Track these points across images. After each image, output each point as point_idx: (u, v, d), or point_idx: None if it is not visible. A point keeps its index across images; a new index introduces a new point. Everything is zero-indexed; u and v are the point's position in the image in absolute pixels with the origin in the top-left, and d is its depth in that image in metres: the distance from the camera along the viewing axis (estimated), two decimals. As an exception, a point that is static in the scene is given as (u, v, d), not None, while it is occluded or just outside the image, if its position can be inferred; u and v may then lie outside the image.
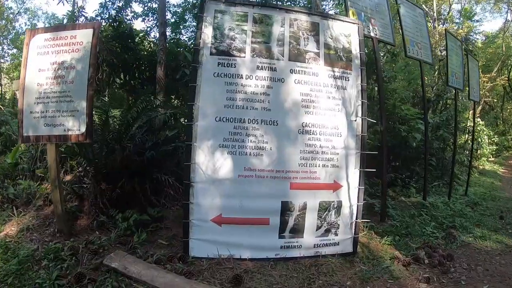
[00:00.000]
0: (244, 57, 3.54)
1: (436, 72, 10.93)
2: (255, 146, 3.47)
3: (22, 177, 5.59)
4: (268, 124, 3.50)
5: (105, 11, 7.96)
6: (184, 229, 3.37)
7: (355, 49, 3.95)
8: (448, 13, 15.89)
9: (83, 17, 7.48)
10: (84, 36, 3.98)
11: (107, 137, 4.14)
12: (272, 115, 3.51)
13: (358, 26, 4.06)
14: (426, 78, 11.20)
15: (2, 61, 19.83)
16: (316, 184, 3.63)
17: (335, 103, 3.74)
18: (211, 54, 3.50)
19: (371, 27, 5.04)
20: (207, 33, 3.54)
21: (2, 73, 19.46)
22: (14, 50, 20.15)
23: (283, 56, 3.63)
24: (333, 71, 3.77)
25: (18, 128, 3.87)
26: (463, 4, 17.10)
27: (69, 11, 8.03)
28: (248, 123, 3.46)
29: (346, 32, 3.97)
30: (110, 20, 7.54)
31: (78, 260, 3.21)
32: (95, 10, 7.83)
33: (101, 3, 7.99)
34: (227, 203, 3.40)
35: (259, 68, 3.55)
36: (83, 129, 3.73)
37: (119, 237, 3.68)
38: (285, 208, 3.52)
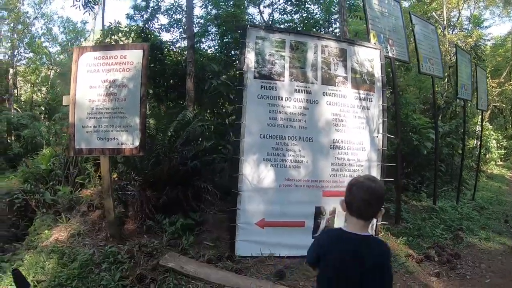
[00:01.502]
0: (283, 81, 4.03)
1: (446, 80, 11.25)
2: (293, 160, 3.97)
3: (56, 183, 5.81)
4: (305, 140, 4.00)
5: (132, 22, 8.44)
6: (231, 231, 3.86)
7: (377, 73, 4.43)
8: (458, 19, 16.16)
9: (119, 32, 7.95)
10: (135, 57, 4.25)
11: (156, 149, 4.56)
12: (308, 132, 4.01)
13: (380, 52, 4.54)
14: (436, 86, 11.52)
15: (19, 64, 20.20)
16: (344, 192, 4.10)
17: (360, 121, 4.23)
18: (255, 77, 3.97)
19: (389, 48, 5.48)
20: (250, 58, 4.00)
21: (18, 76, 19.85)
22: (31, 54, 20.55)
23: (316, 80, 4.12)
24: (359, 93, 4.25)
25: (70, 141, 4.09)
26: (472, 10, 17.33)
27: (106, 26, 8.51)
28: (288, 139, 3.95)
29: (369, 57, 4.44)
30: (138, 32, 8.01)
31: (135, 262, 3.48)
32: (126, 26, 8.30)
33: (127, 14, 8.42)
34: (269, 208, 3.89)
35: (296, 91, 4.04)
36: (136, 143, 4.00)
37: (168, 240, 4.02)
38: (318, 212, 4.03)
